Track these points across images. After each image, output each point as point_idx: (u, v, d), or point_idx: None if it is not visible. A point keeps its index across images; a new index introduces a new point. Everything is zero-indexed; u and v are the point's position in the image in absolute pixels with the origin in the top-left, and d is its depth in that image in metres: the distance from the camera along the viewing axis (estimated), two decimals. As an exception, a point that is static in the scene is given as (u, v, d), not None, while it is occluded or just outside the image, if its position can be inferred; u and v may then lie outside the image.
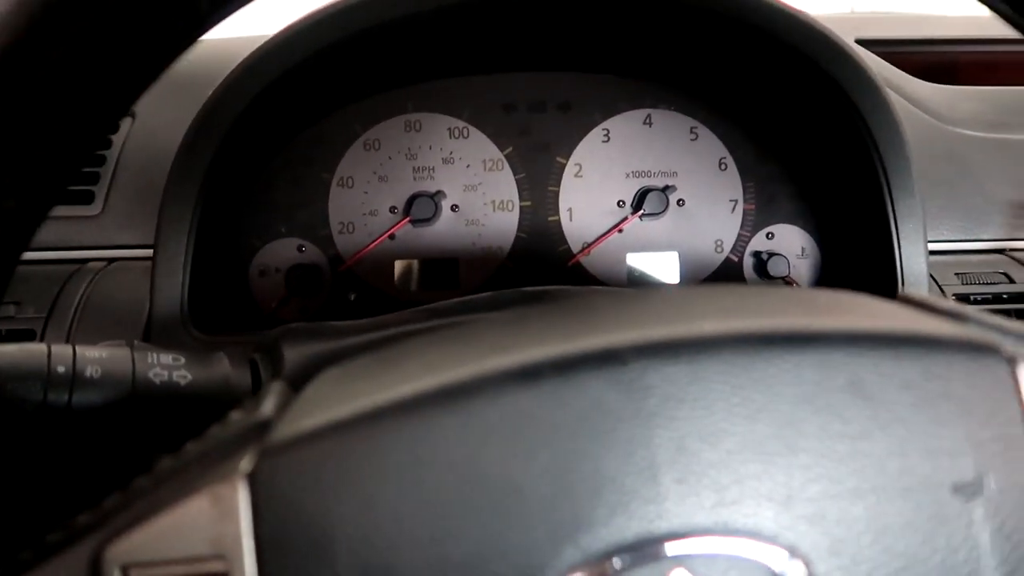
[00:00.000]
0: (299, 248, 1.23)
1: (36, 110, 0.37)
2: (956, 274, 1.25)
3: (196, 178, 1.01)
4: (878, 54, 1.52)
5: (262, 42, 0.99)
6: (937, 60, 1.74)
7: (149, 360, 0.76)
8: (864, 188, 1.12)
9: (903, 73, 1.50)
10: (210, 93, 1.01)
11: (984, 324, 0.52)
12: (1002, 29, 1.75)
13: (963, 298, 1.21)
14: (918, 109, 1.39)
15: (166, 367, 0.77)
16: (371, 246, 1.23)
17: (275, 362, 0.86)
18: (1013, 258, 1.29)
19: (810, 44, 1.03)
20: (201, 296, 1.09)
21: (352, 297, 1.21)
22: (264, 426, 0.47)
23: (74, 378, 0.71)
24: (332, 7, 0.97)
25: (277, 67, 0.98)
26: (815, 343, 0.45)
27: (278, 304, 1.22)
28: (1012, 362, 0.46)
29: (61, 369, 0.70)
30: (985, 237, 1.31)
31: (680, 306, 0.53)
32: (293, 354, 0.86)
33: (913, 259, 1.11)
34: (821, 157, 1.22)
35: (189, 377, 0.77)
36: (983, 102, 1.45)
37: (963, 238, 1.30)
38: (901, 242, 1.10)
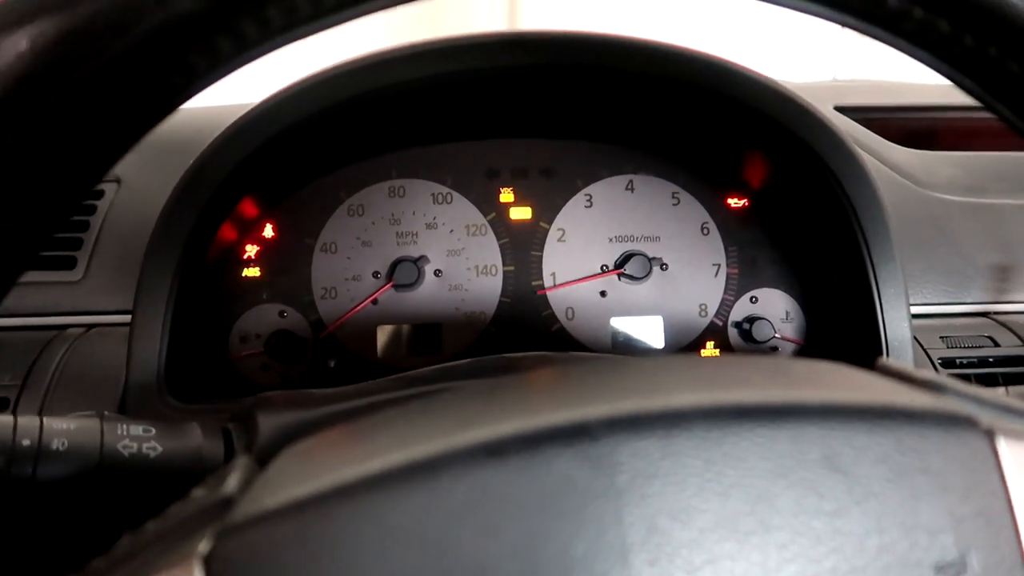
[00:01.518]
0: (281, 314, 1.22)
1: (17, 169, 0.37)
2: (941, 338, 1.24)
3: (176, 246, 1.01)
4: (857, 121, 1.55)
5: (246, 111, 1.01)
6: (916, 127, 1.77)
7: (119, 432, 0.74)
8: (845, 253, 1.13)
9: (881, 139, 1.52)
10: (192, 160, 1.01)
11: (962, 395, 0.51)
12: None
13: (949, 362, 1.21)
14: (896, 174, 1.41)
15: (136, 439, 0.75)
16: (353, 311, 1.22)
17: (249, 432, 0.85)
18: (997, 321, 1.30)
19: (785, 112, 1.05)
20: (179, 364, 1.07)
21: (332, 364, 1.20)
22: (226, 504, 0.45)
23: (39, 451, 0.69)
24: (314, 78, 0.99)
25: (259, 136, 0.99)
26: (788, 416, 0.44)
27: (259, 371, 1.20)
28: (990, 435, 0.45)
29: (26, 442, 0.69)
30: (969, 300, 1.31)
31: (653, 377, 0.52)
32: (268, 424, 0.85)
33: (896, 324, 1.11)
34: (802, 222, 1.23)
35: (159, 449, 0.76)
36: (959, 167, 1.47)
37: (947, 301, 1.31)
38: (884, 307, 1.10)
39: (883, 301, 1.10)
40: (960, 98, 1.76)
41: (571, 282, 1.25)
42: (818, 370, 0.55)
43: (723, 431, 0.43)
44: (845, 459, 0.43)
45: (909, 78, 1.98)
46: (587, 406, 0.44)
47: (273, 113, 0.99)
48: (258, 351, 1.20)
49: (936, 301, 1.31)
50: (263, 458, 0.55)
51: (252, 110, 0.99)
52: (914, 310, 1.23)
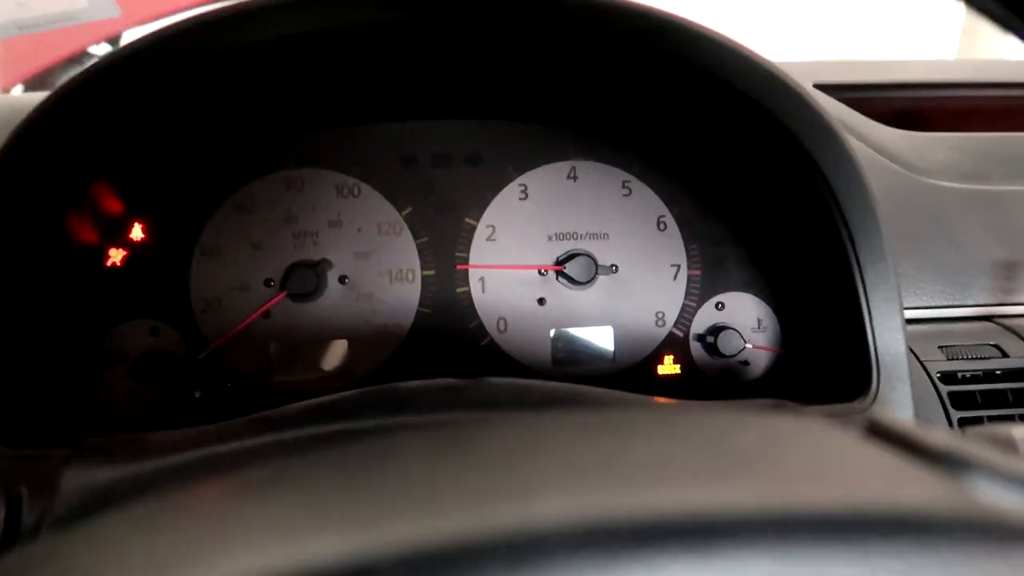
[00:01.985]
0: (153, 331, 1.01)
1: None
2: (940, 347, 1.06)
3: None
4: (838, 100, 1.36)
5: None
6: (902, 107, 1.59)
7: None
8: (826, 251, 0.93)
9: (867, 119, 1.33)
10: None
11: (989, 472, 0.33)
12: (969, 73, 1.52)
13: (949, 377, 1.02)
14: (885, 158, 1.22)
15: None
16: (241, 327, 1.02)
17: (46, 497, 0.65)
18: (1003, 326, 1.11)
19: (753, 82, 0.85)
20: (13, 397, 0.87)
21: (198, 395, 0.99)
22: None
23: None
24: (161, 31, 0.78)
25: (90, 100, 0.78)
26: (747, 535, 0.26)
27: (124, 401, 1.00)
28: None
29: None
30: (970, 302, 1.13)
31: (578, 457, 0.33)
32: (73, 484, 0.65)
33: (888, 336, 0.92)
34: (776, 215, 1.04)
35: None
36: (956, 150, 1.28)
37: (945, 304, 1.12)
38: (873, 315, 0.91)
39: (872, 309, 0.91)
40: (949, 75, 1.51)
41: (502, 267, 1.05)
42: (792, 447, 0.36)
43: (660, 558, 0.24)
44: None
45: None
46: (497, 506, 0.25)
47: (107, 72, 0.78)
48: (122, 377, 1.00)
49: (933, 304, 1.13)
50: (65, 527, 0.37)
51: (82, 71, 0.78)
52: (908, 314, 1.04)
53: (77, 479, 0.65)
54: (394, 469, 0.35)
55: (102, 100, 0.80)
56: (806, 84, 1.39)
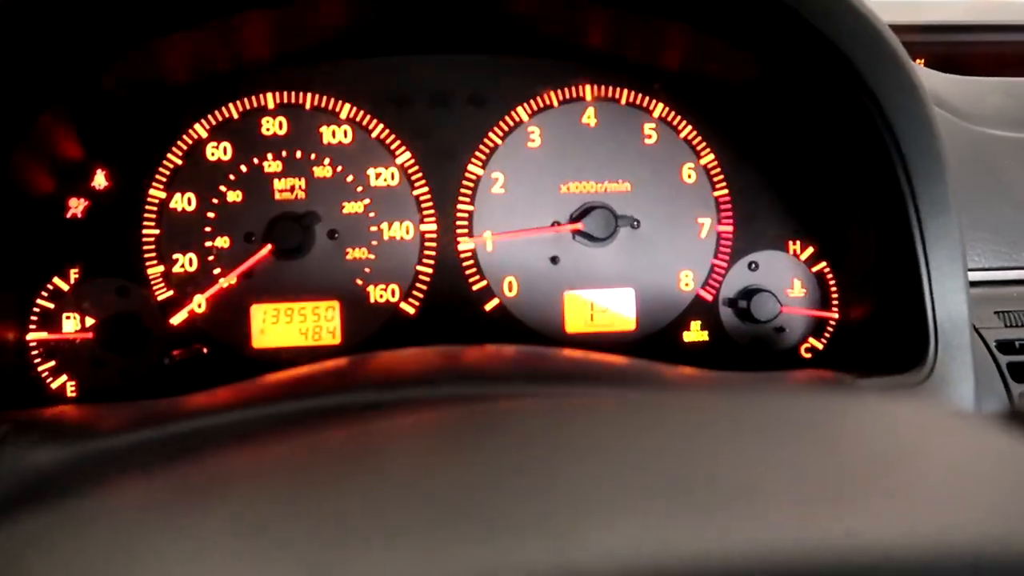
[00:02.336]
0: (120, 291, 0.90)
1: None
2: (996, 313, 0.95)
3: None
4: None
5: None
6: (940, 52, 1.47)
7: None
8: (881, 201, 0.82)
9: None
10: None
11: None
12: (1009, 15, 1.33)
13: (1006, 346, 0.92)
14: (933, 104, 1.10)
15: None
16: (217, 287, 0.91)
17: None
18: (1065, 290, 1.00)
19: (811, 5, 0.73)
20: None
21: (167, 361, 0.89)
22: None
23: None
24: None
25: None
26: None
27: (89, 368, 0.89)
28: None
29: None
30: (1028, 263, 1.02)
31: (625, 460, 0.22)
32: (12, 467, 0.55)
33: (948, 298, 0.81)
34: (821, 161, 0.93)
35: None
36: (1011, 96, 1.17)
37: (1001, 265, 1.02)
38: (932, 274, 0.80)
39: (931, 267, 0.80)
40: (992, 16, 1.36)
41: (512, 232, 0.94)
42: (920, 438, 0.25)
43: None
44: None
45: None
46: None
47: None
48: (88, 343, 0.89)
49: (988, 265, 1.02)
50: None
51: None
52: (962, 277, 0.93)
53: (15, 461, 0.54)
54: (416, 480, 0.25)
55: (31, 17, 0.68)
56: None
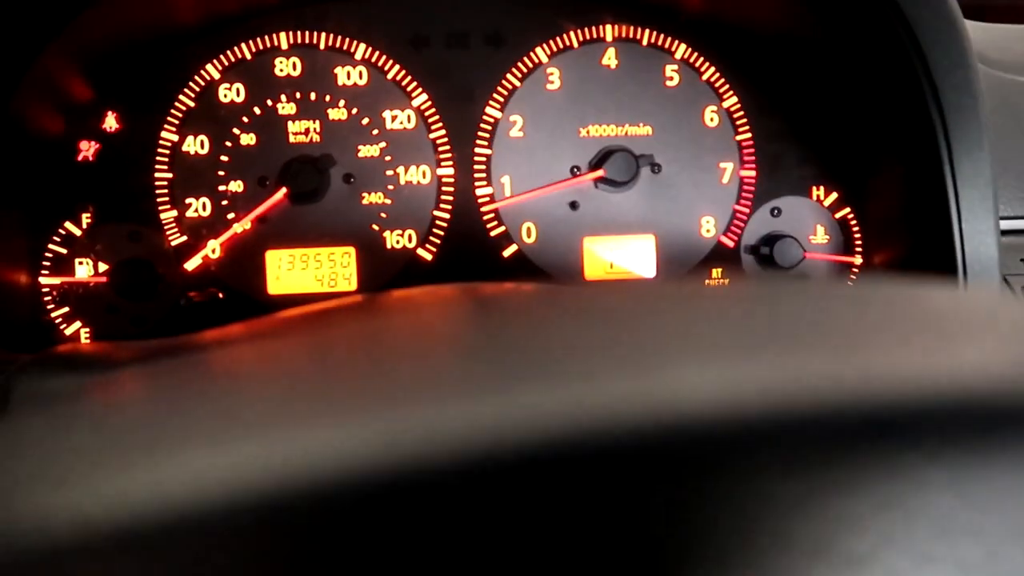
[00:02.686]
0: (132, 236, 0.89)
1: None
2: (1023, 260, 0.93)
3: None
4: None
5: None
6: (964, 2, 1.43)
7: None
8: (910, 142, 0.80)
9: None
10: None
11: None
12: None
13: (1033, 292, 0.90)
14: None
15: None
16: (231, 232, 0.89)
17: (-2, 408, 0.53)
18: (1091, 238, 0.98)
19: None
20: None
21: (183, 302, 0.87)
22: None
23: None
24: None
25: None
26: None
27: (103, 314, 0.88)
28: None
29: None
30: (1055, 211, 1.00)
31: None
32: (28, 393, 0.54)
33: (978, 239, 0.79)
34: (847, 102, 0.90)
35: None
36: (1039, 42, 1.14)
37: (1027, 213, 0.99)
38: (963, 213, 0.78)
39: (962, 206, 0.78)
40: None
41: (532, 191, 0.92)
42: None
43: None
44: None
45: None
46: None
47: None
48: (102, 288, 0.88)
49: (1013, 214, 0.99)
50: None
51: None
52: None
53: (32, 389, 0.53)
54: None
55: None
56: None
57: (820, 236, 0.95)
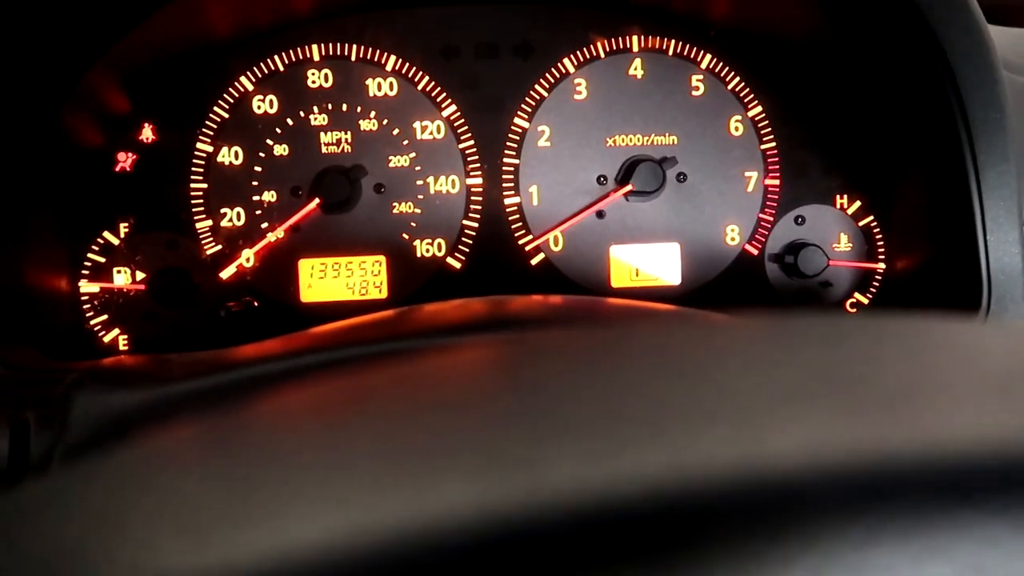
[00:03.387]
0: (169, 244, 0.91)
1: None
2: (1045, 267, 0.94)
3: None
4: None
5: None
6: (985, 3, 1.43)
7: None
8: (935, 153, 0.81)
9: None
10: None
11: None
12: None
13: (1057, 299, 0.91)
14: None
15: None
16: (265, 241, 0.91)
17: (57, 424, 0.55)
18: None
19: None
20: (19, 314, 0.78)
21: (223, 313, 0.89)
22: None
23: None
24: None
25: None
26: None
27: (140, 321, 0.90)
28: None
29: None
30: (1077, 219, 1.01)
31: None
32: (86, 411, 0.56)
33: (1003, 248, 0.80)
34: (872, 112, 0.91)
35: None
36: (1062, 48, 1.14)
37: (1050, 220, 1.00)
38: (988, 224, 0.79)
39: (987, 217, 0.79)
40: None
41: (565, 221, 0.94)
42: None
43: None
44: None
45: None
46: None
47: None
48: (140, 296, 0.90)
49: (1036, 220, 1.00)
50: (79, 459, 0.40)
51: None
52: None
53: (90, 404, 0.56)
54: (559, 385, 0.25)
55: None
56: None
57: (843, 244, 0.96)
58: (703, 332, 0.30)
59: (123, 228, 0.90)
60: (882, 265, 0.96)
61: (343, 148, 0.92)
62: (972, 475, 0.18)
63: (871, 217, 0.96)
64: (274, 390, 0.57)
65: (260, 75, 0.91)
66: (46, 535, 0.24)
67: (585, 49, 0.94)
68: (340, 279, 0.93)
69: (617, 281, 0.95)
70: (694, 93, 0.95)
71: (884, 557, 0.17)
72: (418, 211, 0.93)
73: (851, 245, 0.96)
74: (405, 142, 0.93)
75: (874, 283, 0.96)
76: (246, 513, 0.20)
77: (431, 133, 0.93)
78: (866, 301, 0.97)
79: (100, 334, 0.90)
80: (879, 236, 0.96)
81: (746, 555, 0.17)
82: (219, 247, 0.91)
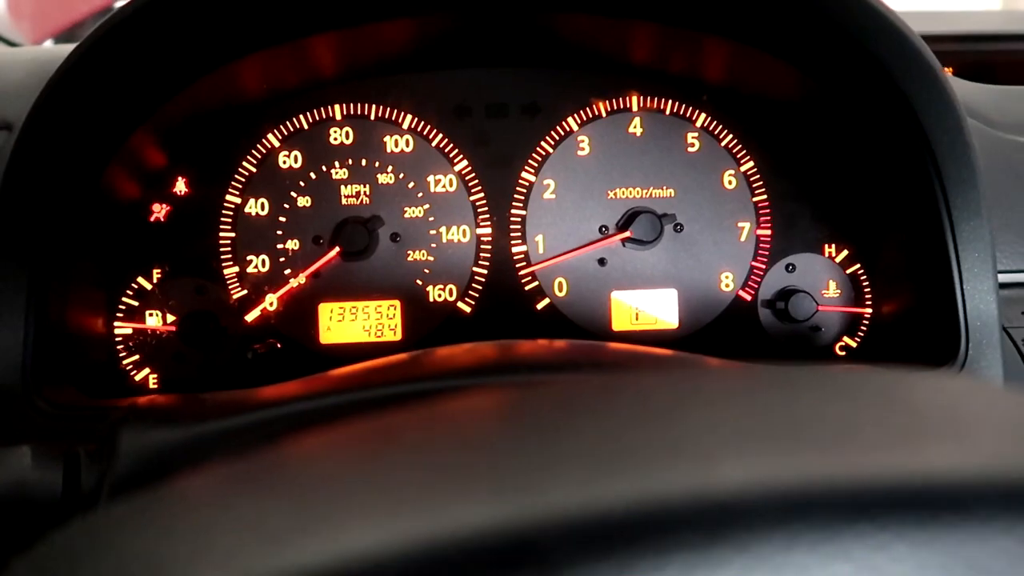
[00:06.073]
0: (198, 290, 0.97)
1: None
2: (1024, 314, 1.00)
3: (31, 194, 0.76)
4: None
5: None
6: (969, 60, 1.51)
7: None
8: (914, 205, 0.87)
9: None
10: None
11: None
12: None
13: (1035, 344, 0.96)
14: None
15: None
16: (288, 287, 0.97)
17: (105, 458, 0.61)
18: (1091, 292, 1.04)
19: (847, 15, 0.79)
20: (61, 356, 0.84)
21: (250, 355, 0.95)
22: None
23: None
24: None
25: (123, 45, 0.74)
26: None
27: (171, 362, 0.96)
28: None
29: None
30: (1056, 267, 1.06)
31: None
32: (133, 446, 0.62)
33: (979, 297, 0.86)
34: (856, 167, 0.98)
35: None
36: (1040, 104, 1.21)
37: (1029, 268, 1.05)
38: (964, 275, 0.85)
39: (963, 268, 0.85)
40: (1020, 26, 1.40)
41: (565, 253, 1.00)
42: (975, 401, 0.31)
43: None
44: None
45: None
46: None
47: (134, 17, 0.73)
48: (170, 338, 0.96)
49: (1015, 268, 1.06)
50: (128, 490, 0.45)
51: (109, 17, 0.73)
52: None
53: (136, 440, 0.61)
54: (540, 430, 0.31)
55: (130, 46, 0.76)
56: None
57: (832, 290, 1.02)
58: (675, 384, 0.36)
59: (156, 274, 0.96)
60: (869, 310, 1.01)
61: (362, 200, 0.99)
62: (870, 498, 0.23)
63: (858, 265, 1.02)
64: (298, 430, 0.63)
65: (286, 133, 0.98)
66: (101, 562, 0.29)
67: (588, 109, 1.01)
68: (357, 322, 0.99)
69: (618, 325, 1.01)
70: (690, 149, 1.02)
71: (800, 557, 0.23)
72: (431, 259, 1.00)
73: (840, 291, 1.02)
74: (420, 194, 1.00)
75: (862, 327, 1.02)
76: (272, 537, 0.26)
77: (444, 186, 1.00)
78: (855, 344, 1.02)
79: (132, 373, 0.96)
80: (866, 283, 1.01)
81: (698, 555, 0.23)
82: (245, 292, 0.98)
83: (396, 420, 0.36)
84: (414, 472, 0.29)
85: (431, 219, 1.00)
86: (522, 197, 1.00)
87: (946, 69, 1.41)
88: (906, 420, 0.30)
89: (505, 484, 0.27)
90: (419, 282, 1.00)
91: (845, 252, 1.02)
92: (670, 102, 1.01)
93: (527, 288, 1.01)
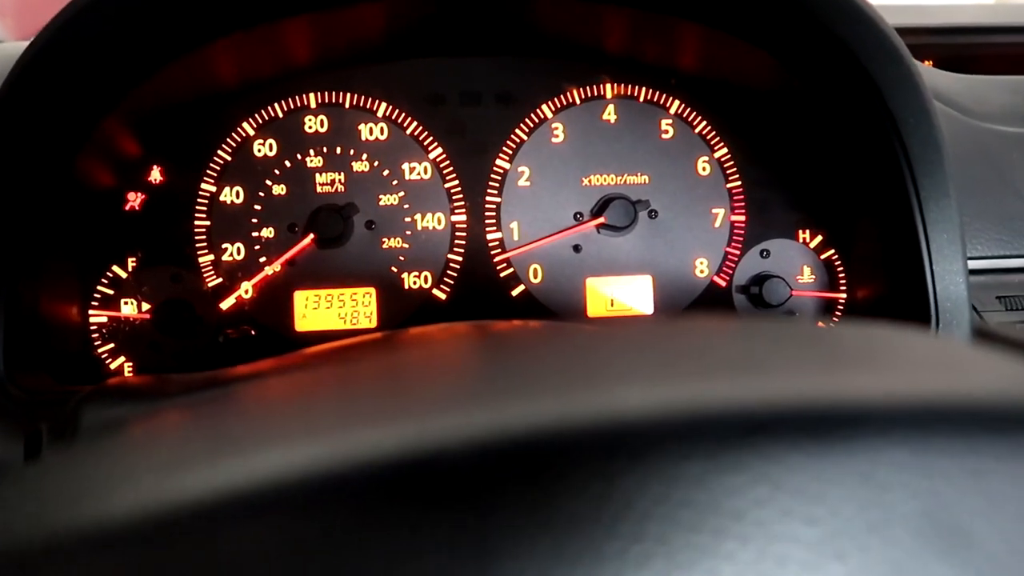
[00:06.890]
0: (174, 278, 0.97)
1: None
2: (998, 298, 1.00)
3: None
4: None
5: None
6: (954, 53, 1.52)
7: None
8: (883, 188, 0.88)
9: (917, 62, 1.27)
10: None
11: None
12: (1016, 17, 1.40)
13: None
14: (940, 102, 1.15)
15: None
16: (263, 275, 0.98)
17: (68, 433, 0.61)
18: (1065, 277, 1.05)
19: (817, 2, 0.79)
20: (33, 344, 0.84)
21: (222, 339, 0.96)
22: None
23: None
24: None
25: (90, 27, 0.74)
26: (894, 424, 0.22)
27: (146, 351, 0.96)
28: None
29: None
30: (1029, 252, 1.07)
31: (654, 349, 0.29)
32: (94, 419, 0.62)
33: (948, 279, 0.86)
34: (827, 152, 0.98)
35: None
36: (1016, 93, 1.21)
37: (1003, 253, 1.06)
38: (933, 256, 0.85)
39: (932, 250, 0.85)
40: (1000, 18, 1.43)
41: (540, 240, 1.00)
42: (896, 343, 0.31)
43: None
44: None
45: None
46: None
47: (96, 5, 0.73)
48: (145, 326, 0.96)
49: (990, 254, 1.06)
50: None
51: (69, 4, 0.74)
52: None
53: (98, 416, 0.61)
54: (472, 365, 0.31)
55: (95, 31, 0.76)
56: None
57: (807, 276, 1.02)
58: (615, 330, 0.36)
59: (131, 262, 0.97)
60: (844, 295, 1.02)
61: (337, 188, 0.99)
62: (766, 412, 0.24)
63: (832, 250, 1.02)
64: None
65: (261, 121, 0.99)
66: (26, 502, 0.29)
67: (562, 96, 1.01)
68: (332, 310, 0.99)
69: (593, 311, 1.01)
70: (664, 136, 1.02)
71: (695, 468, 0.23)
72: (406, 246, 1.00)
73: (814, 277, 1.02)
74: (395, 182, 1.00)
75: (837, 312, 1.02)
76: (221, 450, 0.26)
77: (419, 174, 1.00)
78: (830, 330, 1.02)
79: (107, 361, 0.96)
80: (840, 268, 1.02)
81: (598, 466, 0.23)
82: (220, 280, 0.98)
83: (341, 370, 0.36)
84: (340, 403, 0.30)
85: (406, 207, 1.00)
86: (497, 184, 1.01)
87: (926, 61, 1.42)
88: (822, 353, 0.30)
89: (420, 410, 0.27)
90: (394, 269, 1.00)
91: (819, 237, 1.02)
92: (644, 89, 1.02)
93: (502, 275, 1.01)
